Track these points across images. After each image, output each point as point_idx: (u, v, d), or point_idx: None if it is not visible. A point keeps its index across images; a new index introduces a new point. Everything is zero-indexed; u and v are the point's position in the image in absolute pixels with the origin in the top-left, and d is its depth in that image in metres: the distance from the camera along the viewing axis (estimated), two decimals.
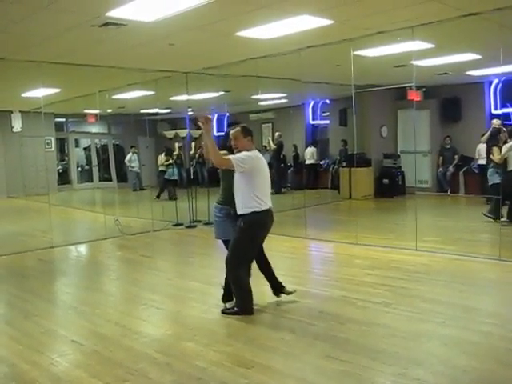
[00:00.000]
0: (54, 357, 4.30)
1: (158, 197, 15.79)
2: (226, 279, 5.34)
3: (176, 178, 15.76)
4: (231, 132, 5.15)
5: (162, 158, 16.16)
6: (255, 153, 5.11)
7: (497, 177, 9.45)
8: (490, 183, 9.77)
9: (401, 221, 10.90)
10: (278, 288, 5.45)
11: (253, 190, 4.97)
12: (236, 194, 5.06)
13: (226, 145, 5.34)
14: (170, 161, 15.69)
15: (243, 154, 4.99)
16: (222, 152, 5.15)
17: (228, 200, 5.18)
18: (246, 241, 5.07)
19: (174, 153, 15.79)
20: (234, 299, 5.21)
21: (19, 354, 4.42)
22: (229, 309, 5.18)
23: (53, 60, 8.61)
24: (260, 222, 5.08)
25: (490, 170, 9.68)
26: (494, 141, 9.76)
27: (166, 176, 15.78)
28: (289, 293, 5.45)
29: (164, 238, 10.11)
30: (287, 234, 8.91)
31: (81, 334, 4.84)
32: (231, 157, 4.95)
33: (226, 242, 5.32)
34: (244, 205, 4.99)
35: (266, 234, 5.23)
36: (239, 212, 5.03)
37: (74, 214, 14.37)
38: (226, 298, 5.36)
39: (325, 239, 8.68)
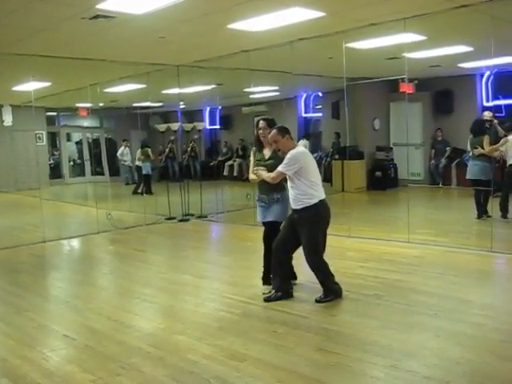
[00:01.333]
0: (45, 352, 4.29)
1: (135, 192, 15.68)
2: (266, 261, 5.59)
3: (150, 172, 15.73)
4: (269, 137, 5.27)
5: (138, 152, 15.92)
6: (298, 149, 5.21)
7: (480, 173, 9.01)
8: (471, 177, 9.26)
9: (393, 213, 10.92)
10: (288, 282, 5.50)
11: (308, 182, 5.12)
12: (294, 190, 5.17)
13: (255, 137, 5.69)
14: (150, 155, 15.56)
15: (286, 158, 5.10)
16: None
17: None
18: (315, 232, 5.20)
19: (147, 148, 15.65)
20: (323, 288, 5.26)
21: (11, 349, 4.40)
22: (322, 298, 5.22)
23: (43, 53, 8.52)
24: (324, 211, 5.23)
25: (481, 164, 9.05)
26: (479, 132, 9.29)
27: (143, 171, 15.61)
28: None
29: (157, 231, 10.08)
30: None
31: (73, 329, 4.83)
32: (279, 169, 5.13)
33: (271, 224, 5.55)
34: (305, 197, 5.11)
35: (329, 221, 5.32)
36: (300, 206, 5.14)
37: (66, 209, 14.31)
38: (265, 280, 5.64)
39: None
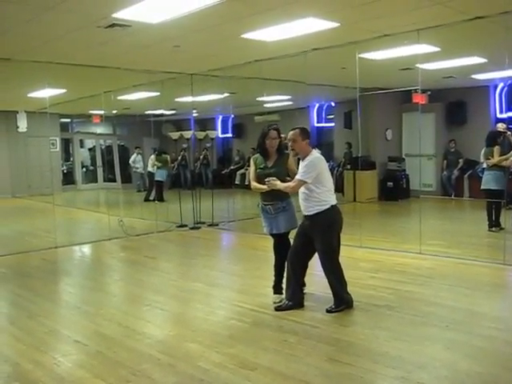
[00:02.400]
0: (57, 357, 4.31)
1: (147, 199, 15.65)
2: (277, 271, 5.57)
3: (164, 179, 15.71)
4: (290, 134, 5.24)
5: (152, 158, 15.92)
6: (315, 155, 5.20)
7: (493, 182, 9.01)
8: (483, 187, 9.23)
9: (405, 224, 10.88)
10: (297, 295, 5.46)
11: (323, 188, 5.13)
12: (306, 197, 5.17)
13: (261, 145, 5.52)
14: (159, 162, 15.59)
15: (303, 166, 5.10)
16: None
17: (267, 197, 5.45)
18: (330, 236, 5.20)
19: (165, 155, 15.69)
20: (334, 298, 5.25)
21: (23, 353, 4.43)
22: (334, 308, 5.20)
23: (58, 61, 8.62)
24: (337, 216, 5.25)
25: (494, 174, 9.08)
26: (492, 143, 9.29)
27: (157, 178, 15.54)
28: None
29: (168, 239, 10.11)
30: (291, 236, 8.88)
31: (84, 335, 4.85)
32: (298, 177, 5.10)
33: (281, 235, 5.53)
34: (318, 204, 5.12)
35: (342, 225, 5.33)
36: (312, 212, 5.15)
37: (78, 215, 14.39)
38: (276, 289, 5.60)
39: None
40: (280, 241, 5.57)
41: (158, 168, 15.42)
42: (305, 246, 5.29)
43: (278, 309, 5.30)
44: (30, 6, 5.66)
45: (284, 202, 5.42)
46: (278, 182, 5.21)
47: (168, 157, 15.74)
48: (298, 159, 5.37)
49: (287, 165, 5.50)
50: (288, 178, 5.37)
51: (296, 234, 5.42)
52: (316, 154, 5.26)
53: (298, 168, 5.32)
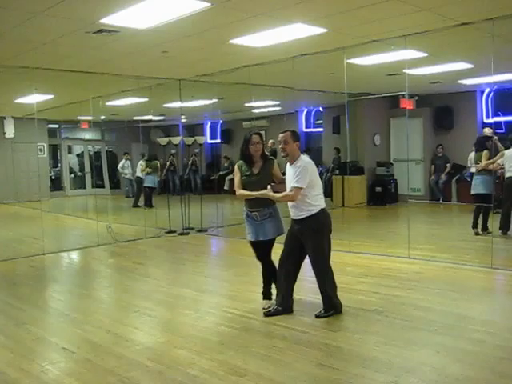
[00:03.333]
0: (44, 365, 4.27)
1: (135, 205, 15.57)
2: (265, 277, 5.58)
3: (156, 185, 15.67)
4: (281, 135, 5.21)
5: (142, 164, 15.74)
6: (305, 160, 5.19)
7: (482, 187, 9.12)
8: (473, 192, 9.33)
9: (393, 229, 10.91)
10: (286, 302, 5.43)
11: (314, 193, 5.13)
12: (296, 202, 5.13)
13: (244, 152, 5.41)
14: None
15: (297, 172, 5.05)
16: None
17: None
18: (320, 239, 5.19)
19: (155, 161, 15.64)
20: (324, 303, 5.24)
21: (9, 361, 4.38)
22: (323, 314, 5.19)
23: (46, 66, 8.60)
24: (326, 219, 5.25)
25: (481, 178, 9.20)
26: (480, 148, 9.45)
27: (147, 183, 15.44)
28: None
29: (156, 245, 10.07)
30: (279, 241, 8.88)
31: (72, 342, 4.81)
32: (296, 185, 5.04)
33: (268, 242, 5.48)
34: (307, 208, 5.11)
35: (331, 228, 5.31)
36: (301, 216, 5.15)
37: (67, 221, 14.30)
38: (266, 295, 5.61)
39: None
40: (266, 248, 5.53)
41: (148, 174, 15.35)
42: (295, 250, 5.29)
43: (267, 314, 5.29)
44: (17, 11, 5.64)
45: (270, 208, 5.39)
46: (271, 193, 5.16)
47: (158, 163, 15.69)
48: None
49: (273, 171, 5.47)
50: (272, 184, 5.31)
51: (286, 239, 5.41)
52: (306, 158, 5.26)
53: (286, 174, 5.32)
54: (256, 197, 5.24)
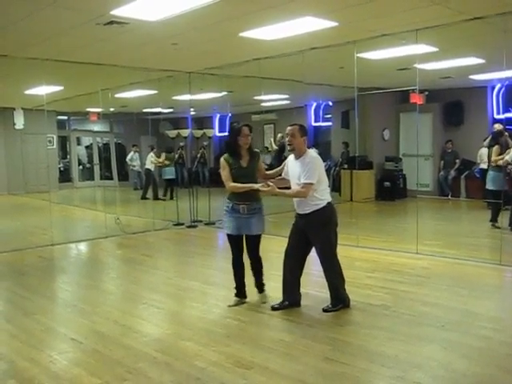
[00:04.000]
0: (53, 354, 4.30)
1: (143, 197, 15.60)
2: (239, 272, 5.56)
3: (174, 177, 15.72)
4: (289, 128, 5.19)
5: (152, 155, 15.90)
6: (313, 155, 5.18)
7: (495, 183, 9.23)
8: (487, 187, 9.56)
9: (402, 224, 10.89)
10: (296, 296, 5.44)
11: (321, 187, 5.12)
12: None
13: (233, 144, 5.29)
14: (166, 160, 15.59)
15: (307, 170, 5.02)
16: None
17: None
18: (328, 232, 5.19)
19: (172, 153, 15.72)
20: (332, 297, 5.25)
21: (19, 351, 4.42)
22: (330, 308, 5.20)
23: (56, 58, 8.62)
24: (333, 213, 5.25)
25: (492, 174, 9.38)
26: (493, 144, 9.55)
27: (167, 176, 15.65)
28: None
29: (164, 237, 10.11)
30: (287, 235, 8.89)
31: (80, 333, 4.84)
32: (306, 181, 5.00)
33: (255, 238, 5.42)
34: (314, 202, 5.09)
35: (337, 222, 5.29)
36: (307, 211, 5.13)
37: (75, 212, 14.38)
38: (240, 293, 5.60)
39: None
40: (252, 244, 5.41)
41: (167, 166, 15.46)
42: (301, 244, 5.29)
43: (274, 308, 5.29)
44: (27, 2, 5.65)
45: (259, 203, 5.34)
46: (283, 190, 5.16)
47: (175, 155, 15.82)
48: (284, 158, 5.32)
49: (259, 165, 5.43)
50: (273, 180, 5.28)
51: (290, 234, 5.39)
52: (312, 153, 5.23)
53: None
54: (250, 189, 5.13)
